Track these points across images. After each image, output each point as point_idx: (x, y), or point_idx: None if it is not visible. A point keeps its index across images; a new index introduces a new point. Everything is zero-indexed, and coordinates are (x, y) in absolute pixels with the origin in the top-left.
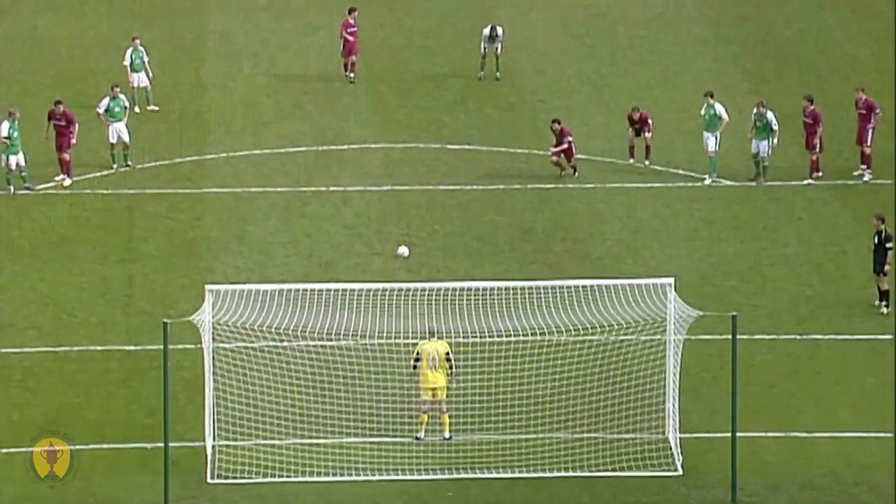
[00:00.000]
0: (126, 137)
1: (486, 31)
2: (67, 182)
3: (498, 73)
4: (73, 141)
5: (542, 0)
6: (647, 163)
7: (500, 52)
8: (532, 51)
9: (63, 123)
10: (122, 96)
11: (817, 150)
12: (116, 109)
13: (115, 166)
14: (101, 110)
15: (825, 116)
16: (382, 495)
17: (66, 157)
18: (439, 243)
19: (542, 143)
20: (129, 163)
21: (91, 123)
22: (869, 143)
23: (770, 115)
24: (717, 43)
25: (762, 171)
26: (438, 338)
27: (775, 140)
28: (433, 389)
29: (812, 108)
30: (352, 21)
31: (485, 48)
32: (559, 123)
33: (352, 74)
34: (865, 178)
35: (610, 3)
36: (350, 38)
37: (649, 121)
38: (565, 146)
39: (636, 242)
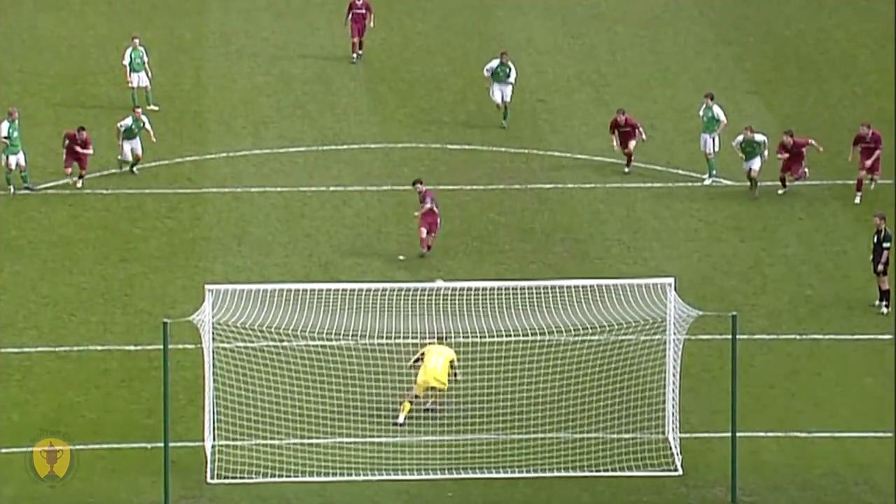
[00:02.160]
0: (139, 152)
1: (493, 64)
2: (80, 184)
3: (504, 123)
4: (89, 151)
5: (541, 0)
6: (626, 170)
7: (511, 98)
8: (532, 51)
9: (80, 147)
10: (143, 118)
11: (803, 173)
12: (135, 130)
13: (120, 169)
14: (121, 129)
15: (825, 116)
16: (382, 495)
17: (69, 170)
18: (439, 243)
19: (542, 143)
20: (135, 170)
21: (90, 123)
22: (878, 169)
23: (759, 136)
24: (717, 43)
25: (753, 184)
26: (448, 344)
27: (766, 153)
28: (427, 389)
29: (793, 140)
30: (359, 2)
31: (496, 98)
32: (422, 184)
33: (360, 52)
34: (871, 187)
35: (610, 3)
36: (357, 18)
37: (639, 129)
38: (427, 208)
39: (636, 242)
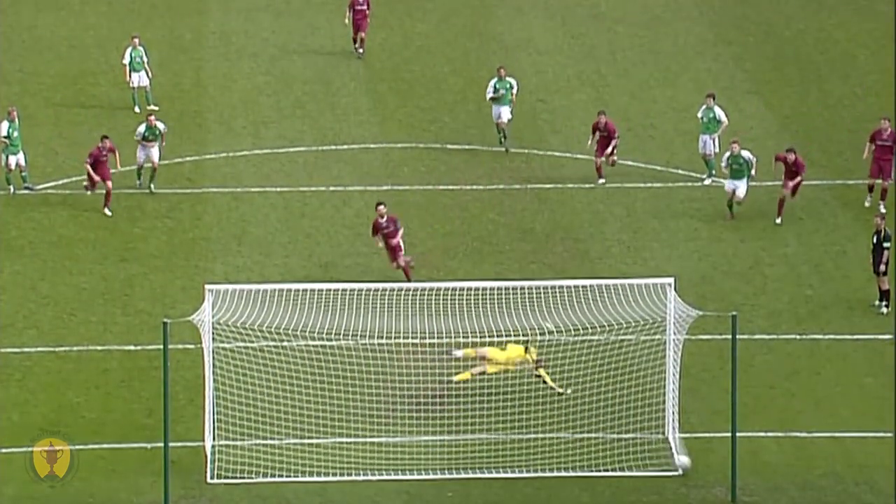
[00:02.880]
0: (156, 159)
1: (492, 82)
2: (108, 213)
3: (505, 144)
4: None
5: (542, 0)
6: (601, 181)
7: (510, 120)
8: (532, 51)
9: (105, 157)
10: (158, 124)
11: (796, 193)
12: (150, 137)
13: (138, 183)
14: (138, 137)
15: (825, 116)
16: (382, 495)
17: (110, 184)
18: (439, 243)
19: (542, 144)
20: (152, 186)
21: (91, 123)
22: (892, 176)
23: (746, 153)
24: (717, 43)
25: (731, 209)
26: (536, 365)
27: (753, 172)
28: (494, 360)
29: (795, 157)
30: None
31: (495, 117)
32: (384, 205)
33: (360, 50)
34: (883, 210)
35: (610, 3)
36: (359, 14)
37: (615, 139)
38: (390, 230)
39: (636, 242)
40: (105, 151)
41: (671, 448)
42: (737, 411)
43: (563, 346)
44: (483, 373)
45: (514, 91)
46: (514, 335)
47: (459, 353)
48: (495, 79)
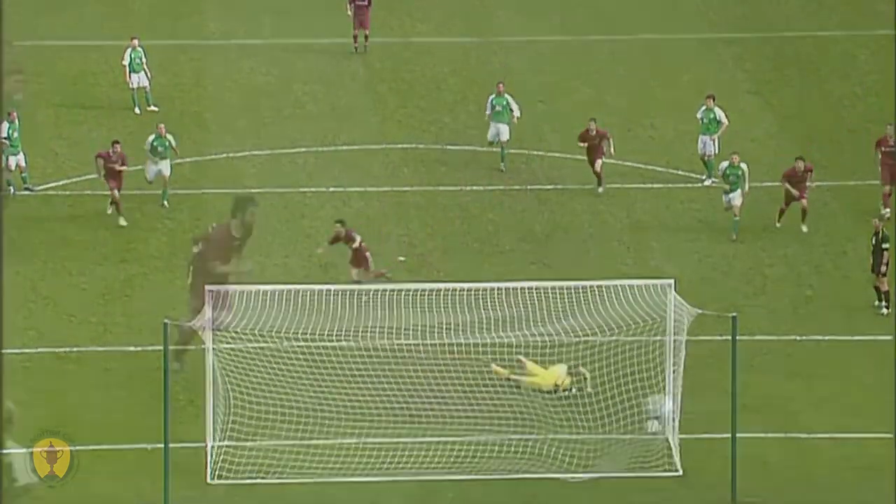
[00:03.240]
0: (167, 174)
1: (490, 98)
2: (123, 222)
3: (503, 165)
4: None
5: (541, 0)
6: (600, 189)
7: (508, 138)
8: (532, 51)
9: (116, 163)
10: (168, 136)
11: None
12: (160, 149)
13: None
14: (147, 148)
15: (825, 116)
16: (382, 495)
17: (117, 192)
18: (439, 244)
19: (542, 144)
20: (166, 202)
21: (91, 123)
22: None
23: (744, 166)
24: (717, 43)
25: (734, 225)
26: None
27: (747, 186)
28: (530, 374)
29: (804, 164)
30: None
31: (490, 135)
32: (343, 225)
33: (366, 45)
34: (886, 215)
35: (610, 3)
36: (360, 10)
37: (608, 140)
38: (358, 244)
39: (636, 243)
40: (115, 157)
41: (666, 440)
42: (737, 412)
43: (563, 347)
44: (517, 383)
45: (514, 110)
46: (514, 336)
47: (525, 361)
48: (493, 95)
